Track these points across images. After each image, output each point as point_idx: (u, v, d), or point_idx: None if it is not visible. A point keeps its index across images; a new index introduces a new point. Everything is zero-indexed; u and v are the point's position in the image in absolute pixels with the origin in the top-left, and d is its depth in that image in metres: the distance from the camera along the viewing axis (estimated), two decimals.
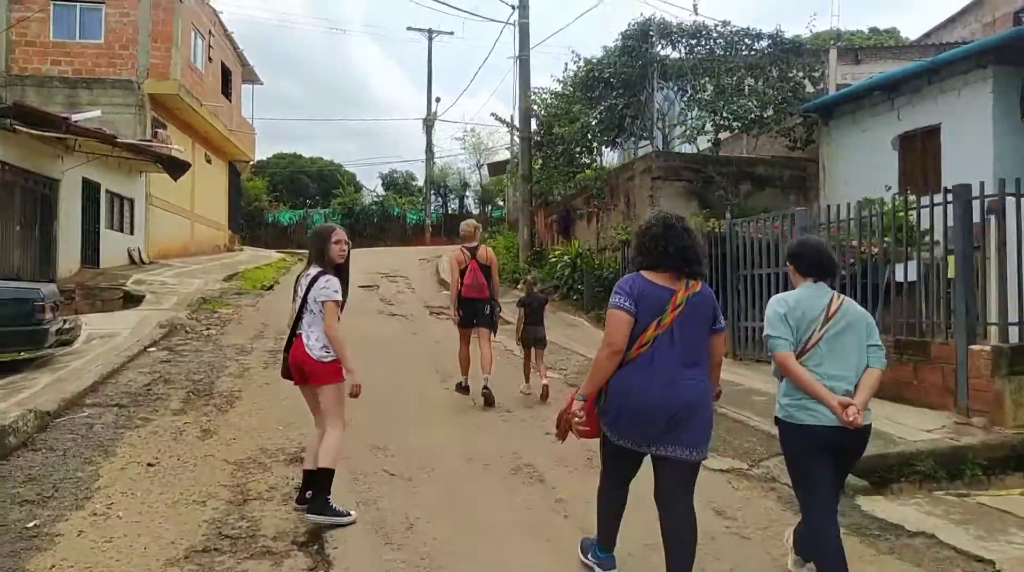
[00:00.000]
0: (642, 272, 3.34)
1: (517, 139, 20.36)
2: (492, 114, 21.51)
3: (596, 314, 13.64)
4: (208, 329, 11.64)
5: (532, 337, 8.02)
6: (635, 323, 3.22)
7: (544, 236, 21.61)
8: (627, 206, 14.91)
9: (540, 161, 20.46)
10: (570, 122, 15.27)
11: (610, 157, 18.41)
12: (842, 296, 3.52)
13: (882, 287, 7.85)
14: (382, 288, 18.90)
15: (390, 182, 47.06)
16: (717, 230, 10.45)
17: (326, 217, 40.97)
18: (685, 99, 14.40)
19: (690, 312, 3.25)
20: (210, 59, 24.81)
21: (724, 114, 13.68)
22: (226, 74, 26.98)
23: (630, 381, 3.23)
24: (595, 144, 16.79)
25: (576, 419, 3.33)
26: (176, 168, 16.51)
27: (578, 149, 18.02)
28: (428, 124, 40.31)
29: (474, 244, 7.73)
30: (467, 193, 45.10)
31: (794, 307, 3.42)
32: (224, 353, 9.73)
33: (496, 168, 31.40)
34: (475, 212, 42.76)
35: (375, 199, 42.97)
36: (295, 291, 4.52)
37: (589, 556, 3.68)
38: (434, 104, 40.22)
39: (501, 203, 44.24)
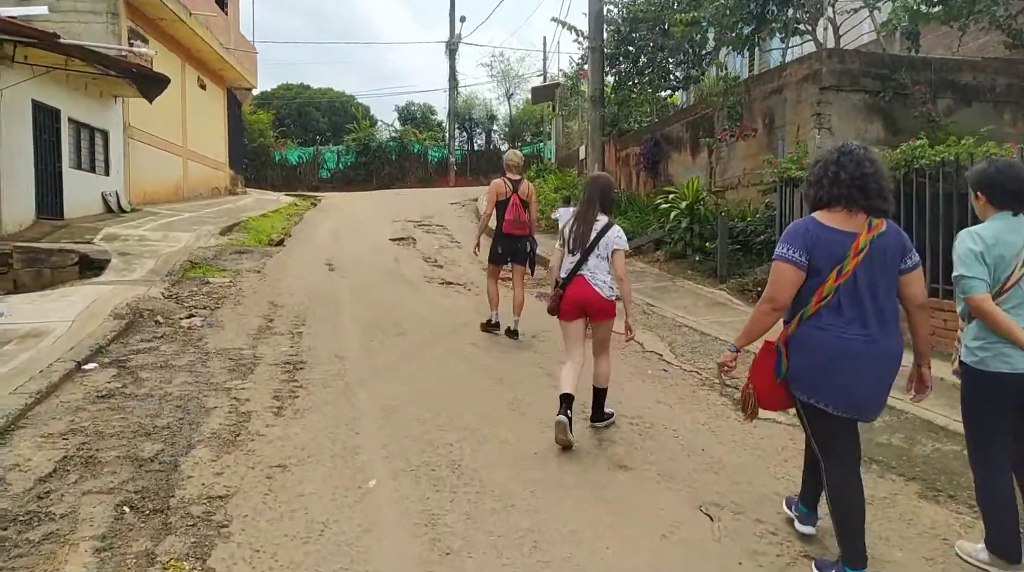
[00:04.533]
0: (816, 214, 2.95)
1: (583, 51, 16.04)
2: (554, 19, 16.99)
3: (738, 283, 9.69)
4: (191, 316, 7.78)
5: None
6: (809, 276, 2.87)
7: (614, 176, 17.47)
8: (768, 131, 10.79)
9: (613, 80, 16.27)
10: (684, 15, 10.97)
11: (733, 66, 14.06)
12: None
13: None
14: (420, 242, 14.97)
15: (407, 116, 42.54)
16: None
17: (339, 155, 36.78)
18: None
19: (876, 255, 2.84)
20: None
21: None
22: None
23: (817, 337, 2.87)
24: (707, 50, 12.55)
25: (726, 368, 3.13)
26: (152, 85, 12.41)
27: (674, 60, 13.82)
28: (451, 48, 35.69)
29: (518, 177, 7.35)
30: (494, 127, 40.58)
31: (992, 245, 2.98)
32: (209, 371, 5.88)
33: (542, 94, 26.87)
34: (503, 148, 38.35)
35: (392, 134, 38.48)
36: (573, 235, 4.71)
37: None
38: (458, 25, 35.57)
39: (529, 139, 39.83)
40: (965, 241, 3.04)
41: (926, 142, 7.28)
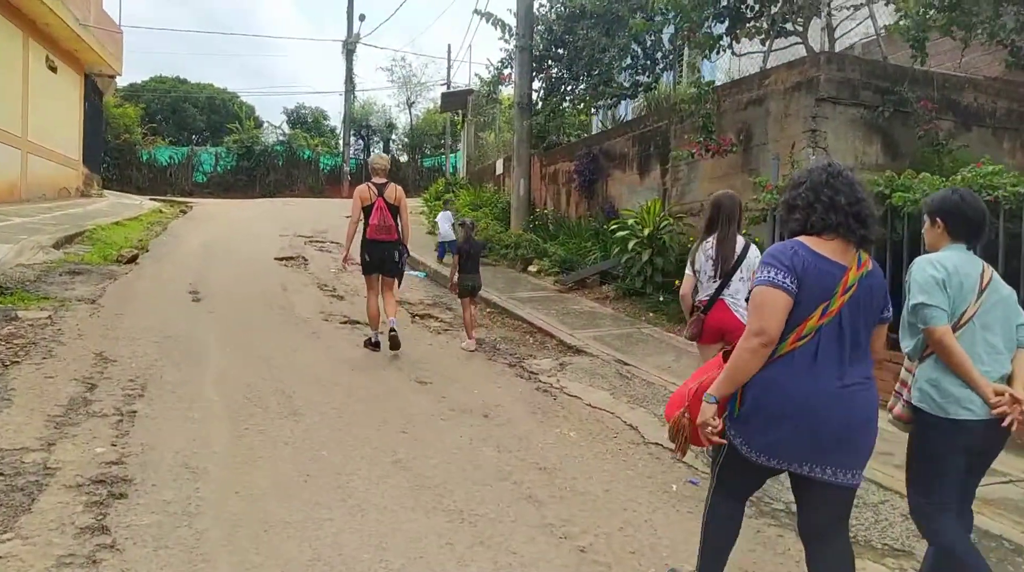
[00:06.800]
0: (803, 239, 2.52)
1: (509, 50, 14.07)
2: (476, 11, 13.80)
3: None
4: None
5: (470, 285, 7.56)
6: (794, 307, 2.42)
7: (539, 195, 15.54)
8: (744, 149, 9.09)
9: (541, 87, 14.38)
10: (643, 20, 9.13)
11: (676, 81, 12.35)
12: (989, 266, 2.92)
13: None
14: (313, 263, 12.48)
15: (297, 119, 39.34)
16: None
17: (218, 157, 33.21)
18: None
19: (862, 296, 2.48)
20: None
21: None
22: None
23: (786, 383, 2.43)
24: (663, 52, 10.85)
25: (710, 429, 2.53)
26: None
27: (618, 64, 12.05)
28: (349, 47, 33.02)
29: (383, 180, 7.12)
30: (393, 136, 38.05)
31: (952, 273, 2.79)
32: None
33: (452, 101, 24.64)
34: (403, 160, 35.90)
35: (280, 138, 35.23)
36: (714, 260, 4.48)
37: None
38: (356, 23, 32.99)
39: (430, 151, 37.63)
40: (925, 268, 2.85)
41: (999, 167, 5.68)
